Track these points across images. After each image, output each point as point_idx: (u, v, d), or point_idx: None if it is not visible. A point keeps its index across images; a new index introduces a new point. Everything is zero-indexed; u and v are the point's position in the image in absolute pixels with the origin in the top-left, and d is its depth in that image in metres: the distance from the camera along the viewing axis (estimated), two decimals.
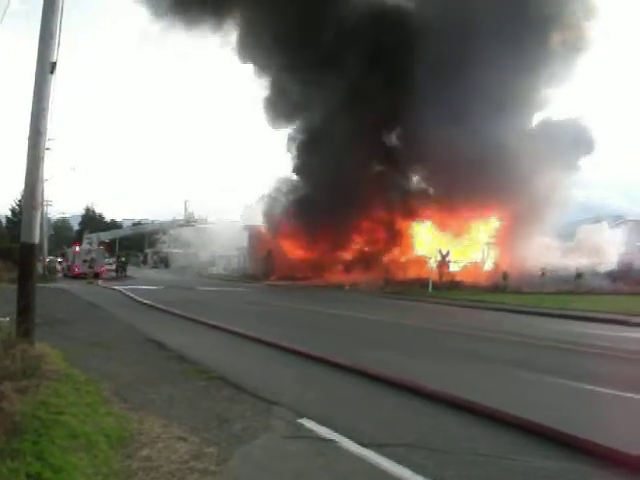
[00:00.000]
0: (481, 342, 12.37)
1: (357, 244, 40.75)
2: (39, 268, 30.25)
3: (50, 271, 41.03)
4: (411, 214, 38.09)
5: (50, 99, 7.63)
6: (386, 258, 38.05)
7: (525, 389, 7.63)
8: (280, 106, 40.97)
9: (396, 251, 38.99)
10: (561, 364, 9.62)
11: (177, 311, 16.27)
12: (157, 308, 17.82)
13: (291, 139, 43.07)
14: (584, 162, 38.17)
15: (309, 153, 40.40)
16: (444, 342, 12.47)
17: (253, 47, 39.24)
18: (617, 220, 44.61)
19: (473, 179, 30.44)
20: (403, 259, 38.25)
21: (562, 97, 75.48)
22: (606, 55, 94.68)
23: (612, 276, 32.59)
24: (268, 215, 42.95)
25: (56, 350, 7.96)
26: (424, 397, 6.63)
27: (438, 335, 13.81)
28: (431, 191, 38.05)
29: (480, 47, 30.17)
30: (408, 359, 9.75)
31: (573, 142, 34.74)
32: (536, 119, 38.57)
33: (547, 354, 10.86)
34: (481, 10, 30.94)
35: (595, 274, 32.85)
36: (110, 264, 51.13)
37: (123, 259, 52.58)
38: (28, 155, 7.47)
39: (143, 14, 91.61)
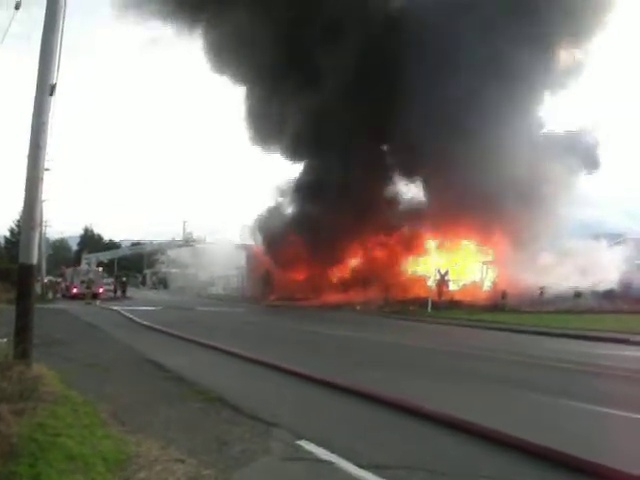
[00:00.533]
0: (481, 362, 12.31)
1: (359, 260, 40.31)
2: (37, 289, 30.13)
3: (48, 291, 40.88)
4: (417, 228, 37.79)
5: (49, 121, 7.68)
6: (387, 276, 37.70)
7: (525, 409, 7.58)
8: (265, 127, 39.64)
9: (409, 261, 38.37)
10: (561, 383, 9.57)
11: (176, 332, 16.20)
12: (155, 329, 17.75)
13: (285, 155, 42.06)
14: (583, 179, 38.32)
15: (304, 171, 40.18)
16: (444, 362, 12.40)
17: (228, 59, 37.79)
18: (616, 239, 44.56)
19: (472, 197, 30.37)
20: (403, 278, 38.00)
21: (563, 112, 76.31)
22: (608, 69, 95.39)
23: (611, 295, 32.50)
24: (264, 234, 42.36)
25: (53, 371, 7.91)
26: (423, 418, 6.58)
27: (438, 355, 13.73)
28: (428, 209, 37.84)
29: (482, 58, 30.16)
30: (407, 379, 9.68)
31: (575, 157, 34.77)
32: (538, 134, 38.49)
33: (547, 374, 10.81)
34: (483, 13, 30.78)
35: (594, 293, 32.77)
36: (108, 284, 50.93)
37: (124, 279, 52.41)
38: (27, 176, 7.50)
39: (140, 35, 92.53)
